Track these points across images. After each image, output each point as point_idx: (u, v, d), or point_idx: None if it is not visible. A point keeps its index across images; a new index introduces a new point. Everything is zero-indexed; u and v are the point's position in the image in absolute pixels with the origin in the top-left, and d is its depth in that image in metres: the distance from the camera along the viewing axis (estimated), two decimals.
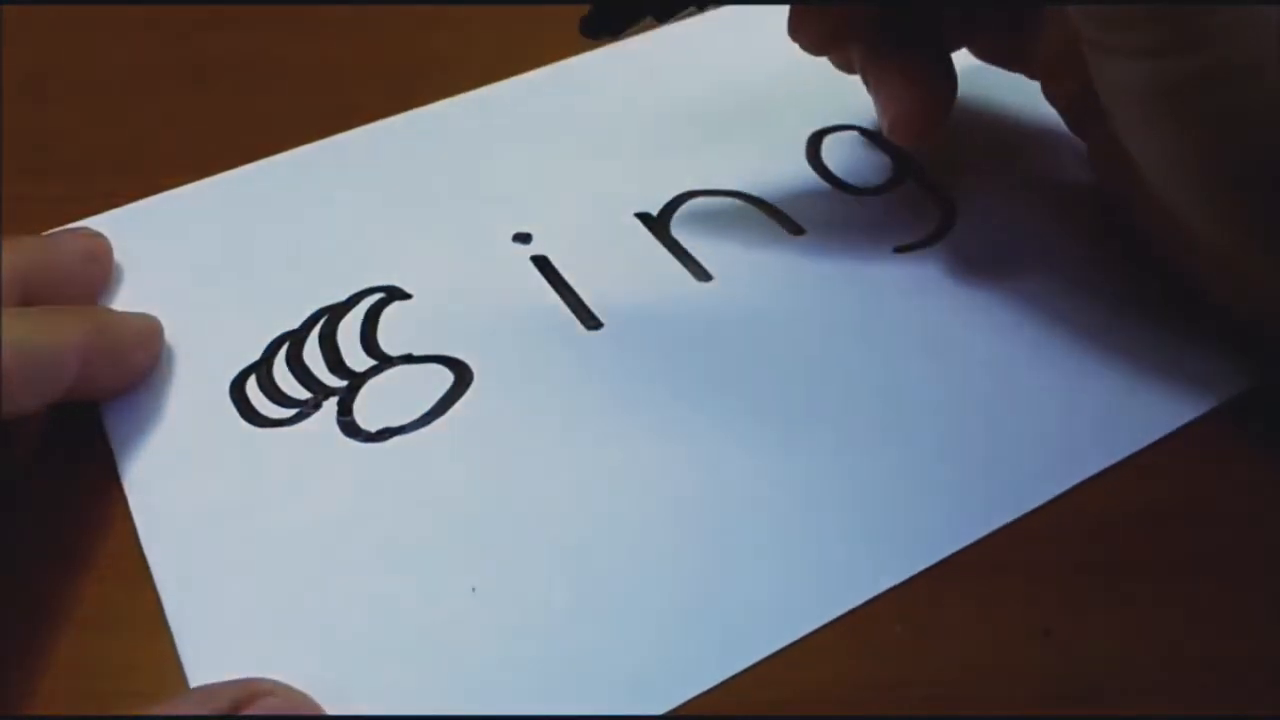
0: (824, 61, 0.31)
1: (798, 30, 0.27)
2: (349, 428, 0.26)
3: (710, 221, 0.31)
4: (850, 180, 0.32)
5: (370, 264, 0.30)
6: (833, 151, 0.33)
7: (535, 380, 0.27)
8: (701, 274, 0.29)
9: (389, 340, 0.28)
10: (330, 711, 0.21)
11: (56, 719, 0.22)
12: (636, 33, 0.26)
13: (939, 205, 0.31)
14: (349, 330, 0.28)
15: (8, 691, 0.22)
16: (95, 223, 0.31)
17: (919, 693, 0.21)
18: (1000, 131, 0.33)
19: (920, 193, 0.31)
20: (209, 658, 0.22)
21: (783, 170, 0.32)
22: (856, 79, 0.29)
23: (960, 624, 0.22)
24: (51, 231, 0.30)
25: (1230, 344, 0.26)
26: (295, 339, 0.28)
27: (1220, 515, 0.24)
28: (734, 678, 0.22)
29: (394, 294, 0.29)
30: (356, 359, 0.28)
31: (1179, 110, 0.20)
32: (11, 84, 0.37)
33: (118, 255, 0.30)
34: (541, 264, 0.30)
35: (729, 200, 0.31)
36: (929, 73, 0.27)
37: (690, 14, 0.26)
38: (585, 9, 0.25)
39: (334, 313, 0.29)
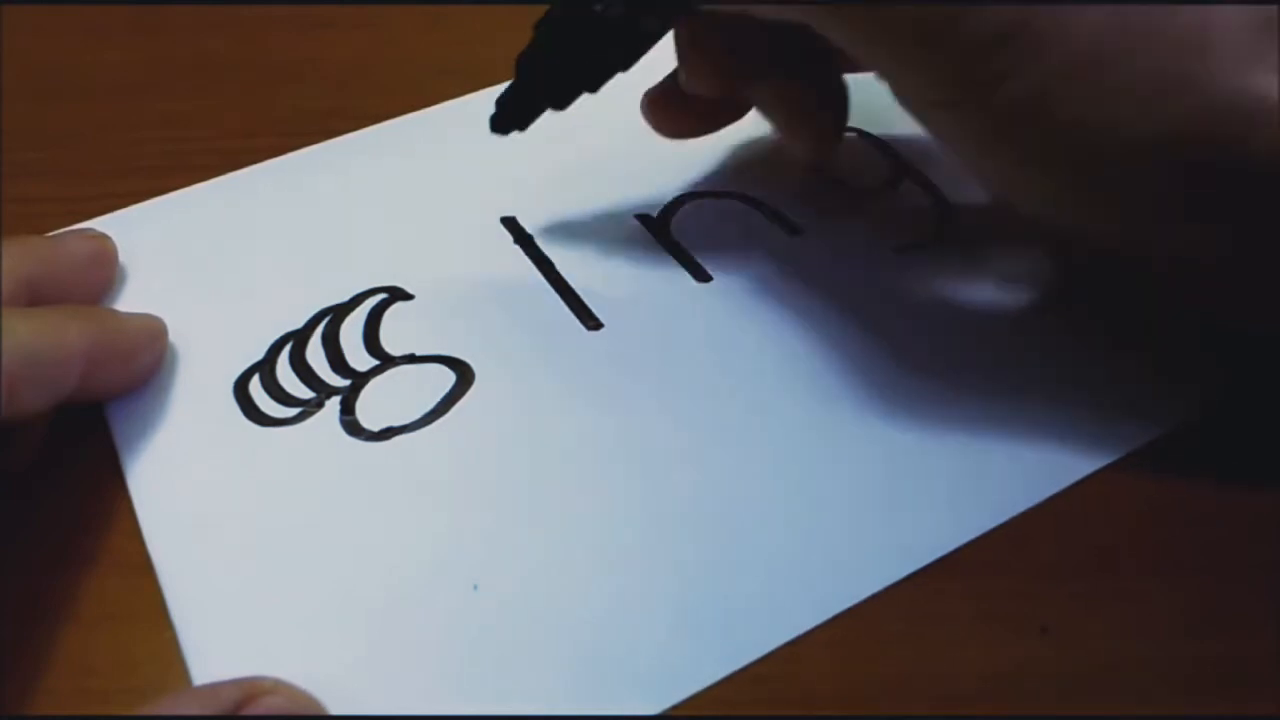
0: None
1: (691, 78, 0.28)
2: (351, 427, 0.26)
3: (710, 221, 0.31)
4: (848, 181, 0.32)
5: (373, 265, 0.30)
6: None
7: (536, 380, 0.27)
8: (701, 274, 0.29)
9: (391, 340, 0.28)
10: (332, 710, 0.21)
11: (59, 718, 0.22)
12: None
13: (937, 205, 0.31)
14: (351, 330, 0.28)
15: (10, 689, 0.22)
16: (100, 224, 0.31)
17: (916, 691, 0.22)
18: None
19: (919, 193, 0.31)
20: (212, 655, 0.22)
21: (781, 171, 0.32)
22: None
23: (957, 622, 0.22)
24: (56, 232, 0.30)
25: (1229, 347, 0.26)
26: (298, 339, 0.28)
27: (1220, 515, 0.24)
28: (732, 675, 0.22)
29: (396, 294, 0.29)
30: (359, 359, 0.28)
31: (989, 144, 0.22)
32: (12, 84, 0.37)
33: (122, 256, 0.30)
34: (542, 264, 0.30)
35: (728, 201, 0.31)
36: (819, 98, 0.28)
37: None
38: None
39: (337, 313, 0.29)
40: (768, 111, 0.28)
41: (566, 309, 0.29)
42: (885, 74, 0.22)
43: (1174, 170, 0.21)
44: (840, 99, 0.29)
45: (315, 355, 0.28)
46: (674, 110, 0.30)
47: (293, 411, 0.27)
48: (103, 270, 0.29)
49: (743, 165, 0.32)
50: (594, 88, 0.28)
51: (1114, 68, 0.20)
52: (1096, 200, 0.22)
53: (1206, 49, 0.20)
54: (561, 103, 0.28)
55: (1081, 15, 0.20)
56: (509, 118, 0.28)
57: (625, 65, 0.27)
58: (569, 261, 0.30)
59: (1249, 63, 0.20)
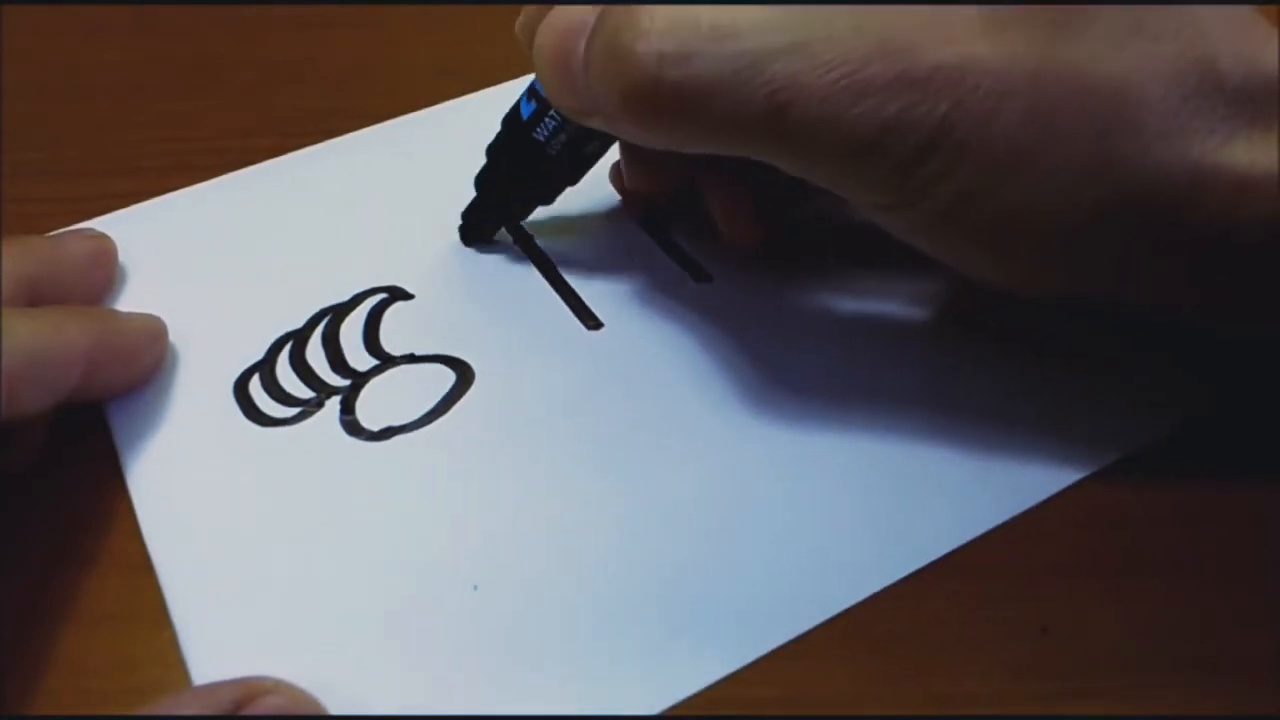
0: None
1: (634, 180, 0.29)
2: (351, 426, 0.26)
3: (709, 222, 0.31)
4: None
5: (372, 264, 0.30)
6: None
7: (536, 380, 0.27)
8: (701, 274, 0.29)
9: (391, 340, 0.28)
10: (332, 710, 0.21)
11: (59, 718, 0.22)
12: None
13: None
14: (351, 330, 0.28)
15: (10, 689, 0.22)
16: (99, 224, 0.31)
17: (916, 691, 0.22)
18: None
19: None
20: (212, 655, 0.22)
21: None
22: None
23: (958, 622, 0.22)
24: (56, 232, 0.30)
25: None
26: (298, 338, 0.28)
27: (1219, 515, 0.24)
28: (732, 675, 0.22)
29: (396, 294, 0.29)
30: (359, 358, 0.28)
31: (937, 237, 0.23)
32: (12, 84, 0.37)
33: (122, 256, 0.30)
34: (543, 264, 0.30)
35: None
36: (757, 195, 0.28)
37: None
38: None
39: (336, 313, 0.29)
40: (709, 204, 0.29)
41: (566, 309, 0.29)
42: (834, 190, 0.23)
43: (1120, 241, 0.21)
44: (777, 195, 0.29)
45: (315, 355, 0.28)
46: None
47: (293, 411, 0.27)
48: (103, 270, 0.29)
49: None
50: (548, 202, 0.29)
51: (1037, 161, 0.20)
52: (1049, 272, 0.23)
53: (1129, 130, 0.20)
54: (520, 217, 0.30)
55: (997, 118, 0.20)
56: (475, 235, 0.30)
57: (574, 181, 0.29)
58: (569, 261, 0.30)
59: (1177, 135, 0.20)
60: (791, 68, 0.20)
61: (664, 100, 0.21)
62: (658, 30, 0.21)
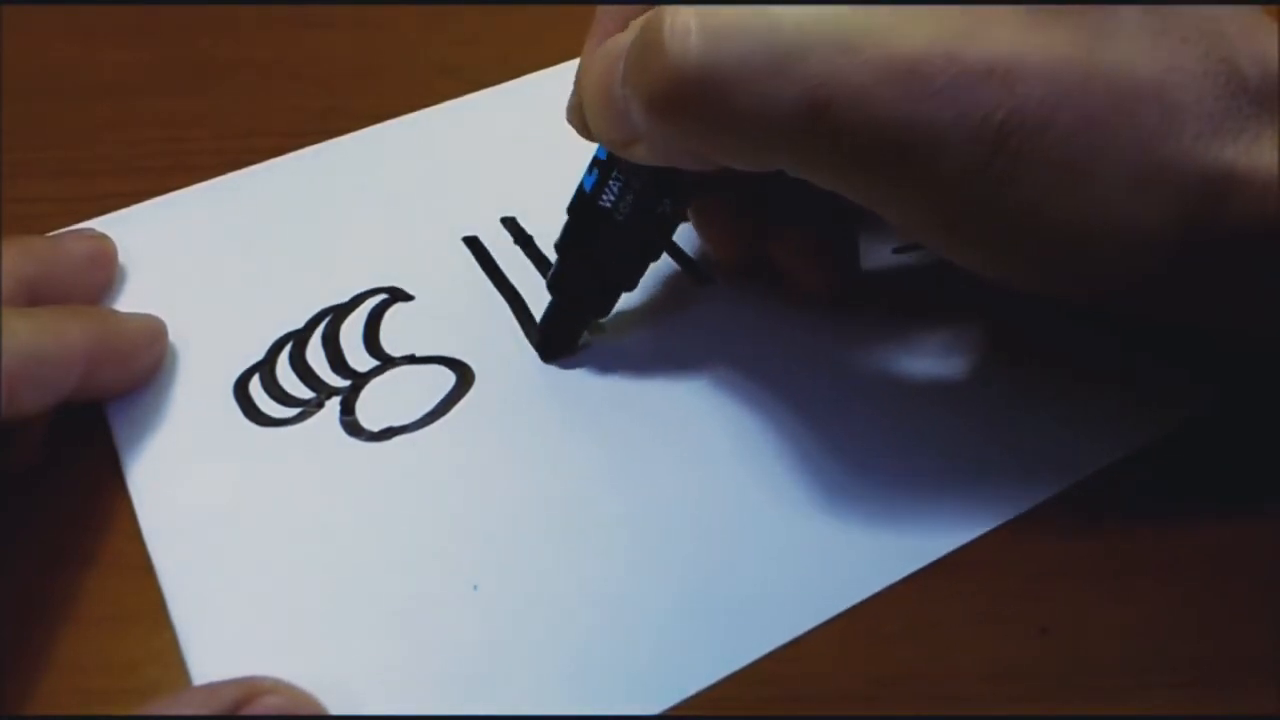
0: None
1: (712, 246, 0.29)
2: (351, 427, 0.26)
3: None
4: None
5: (373, 265, 0.30)
6: None
7: (536, 381, 0.27)
8: (701, 275, 0.29)
9: (391, 340, 0.28)
10: (332, 710, 0.21)
11: (59, 718, 0.22)
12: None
13: None
14: (352, 331, 0.28)
15: (10, 689, 0.22)
16: (99, 224, 0.31)
17: (916, 691, 0.22)
18: None
19: None
20: (212, 655, 0.22)
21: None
22: None
23: (958, 622, 0.22)
24: (56, 232, 0.30)
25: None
26: (298, 339, 0.28)
27: (1219, 515, 0.24)
28: (732, 675, 0.22)
29: (396, 295, 0.29)
30: (359, 359, 0.28)
31: (978, 250, 0.22)
32: (12, 84, 0.37)
33: (122, 256, 0.30)
34: (543, 265, 0.30)
35: None
36: (832, 254, 0.28)
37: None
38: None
39: (337, 313, 0.29)
40: (785, 264, 0.28)
41: None
42: (875, 207, 0.21)
43: (1157, 247, 0.21)
44: (850, 252, 0.29)
45: (315, 355, 0.28)
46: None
47: (293, 411, 0.27)
48: (103, 270, 0.29)
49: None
50: (631, 285, 0.27)
51: (1088, 170, 0.20)
52: (1087, 282, 0.22)
53: (1172, 134, 0.20)
54: (604, 311, 0.27)
55: (1051, 127, 0.19)
56: (557, 344, 0.28)
57: (656, 254, 0.27)
58: None
59: (1213, 136, 0.20)
60: (831, 62, 0.19)
61: (688, 96, 0.20)
62: (685, 26, 0.20)
